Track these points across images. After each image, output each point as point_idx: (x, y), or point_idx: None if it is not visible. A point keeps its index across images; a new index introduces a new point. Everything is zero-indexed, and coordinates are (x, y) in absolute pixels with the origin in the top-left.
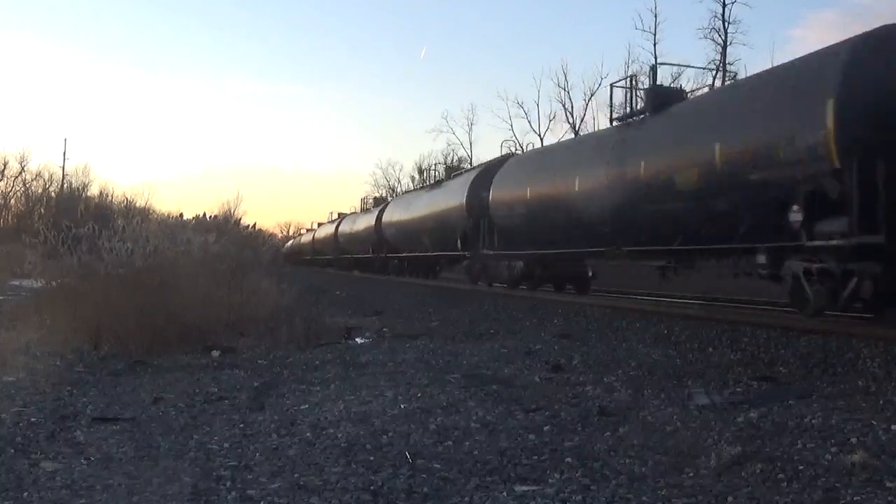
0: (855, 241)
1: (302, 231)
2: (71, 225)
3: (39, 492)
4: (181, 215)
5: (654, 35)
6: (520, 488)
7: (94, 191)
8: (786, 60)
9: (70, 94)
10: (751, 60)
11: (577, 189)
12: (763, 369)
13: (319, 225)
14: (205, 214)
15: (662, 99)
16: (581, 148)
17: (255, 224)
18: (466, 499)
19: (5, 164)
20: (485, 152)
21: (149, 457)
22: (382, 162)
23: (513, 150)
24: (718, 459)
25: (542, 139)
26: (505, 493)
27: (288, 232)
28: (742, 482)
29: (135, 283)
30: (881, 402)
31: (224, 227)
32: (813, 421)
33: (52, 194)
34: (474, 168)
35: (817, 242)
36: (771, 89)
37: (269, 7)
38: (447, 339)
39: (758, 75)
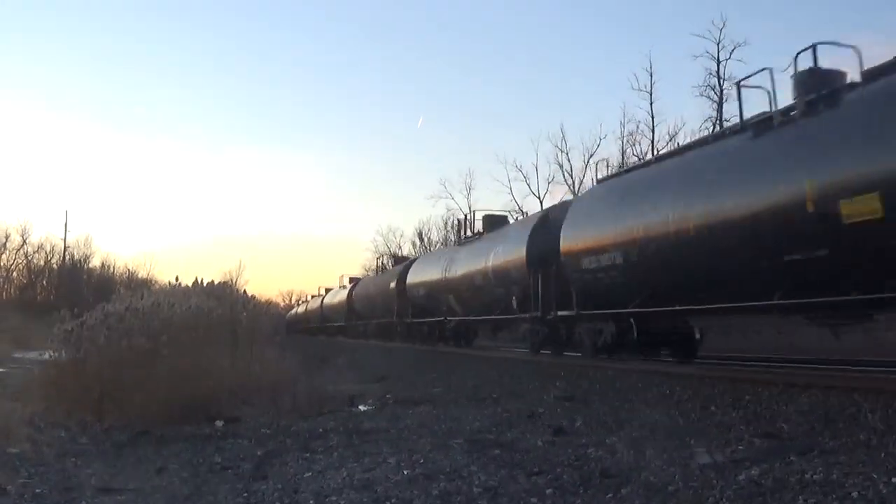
0: None
1: (307, 298)
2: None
3: None
4: (178, 280)
5: (650, 94)
6: None
7: (95, 262)
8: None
9: (70, 166)
10: (748, 115)
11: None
12: (765, 426)
13: (327, 290)
14: (202, 280)
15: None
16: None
17: (246, 292)
18: None
19: (7, 238)
20: None
21: None
22: (383, 228)
23: (513, 213)
24: None
25: (541, 202)
26: None
27: (290, 300)
28: None
29: (138, 354)
30: (882, 454)
31: (225, 294)
32: (814, 476)
33: (55, 266)
34: (534, 214)
35: None
36: None
37: (269, 77)
38: (449, 404)
39: None
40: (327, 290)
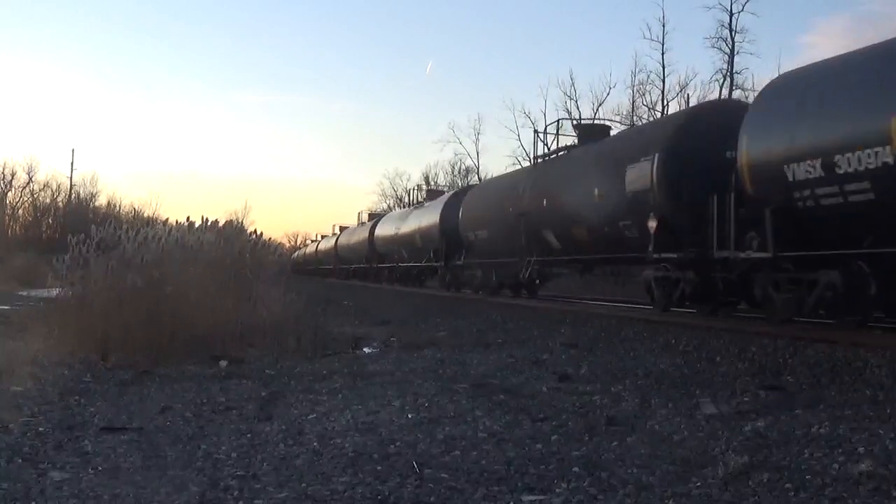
0: None
1: (308, 241)
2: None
3: (47, 501)
4: (188, 219)
5: (662, 44)
6: (527, 498)
7: (101, 201)
8: (796, 67)
9: (77, 104)
10: (759, 69)
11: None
12: (771, 378)
13: (323, 237)
14: (207, 220)
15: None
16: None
17: (256, 230)
18: None
19: (13, 175)
20: (492, 162)
21: (156, 466)
22: (390, 172)
23: (520, 159)
24: (726, 469)
25: (548, 147)
26: (512, 503)
27: (296, 242)
28: (749, 491)
29: (143, 292)
30: (888, 410)
31: (231, 234)
32: (820, 430)
33: (60, 205)
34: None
35: None
36: None
37: (278, 19)
38: (455, 349)
39: None
40: (371, 216)
